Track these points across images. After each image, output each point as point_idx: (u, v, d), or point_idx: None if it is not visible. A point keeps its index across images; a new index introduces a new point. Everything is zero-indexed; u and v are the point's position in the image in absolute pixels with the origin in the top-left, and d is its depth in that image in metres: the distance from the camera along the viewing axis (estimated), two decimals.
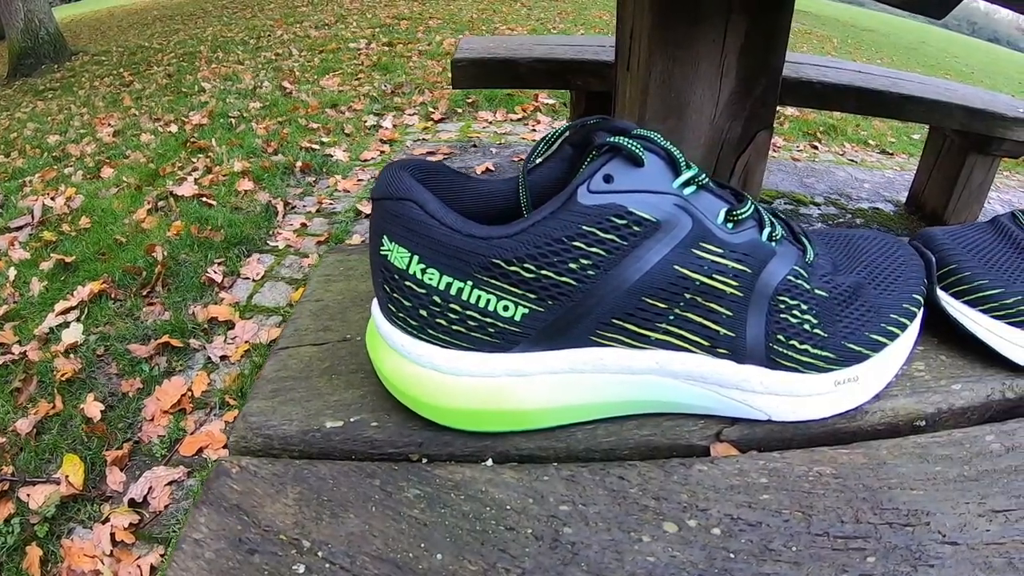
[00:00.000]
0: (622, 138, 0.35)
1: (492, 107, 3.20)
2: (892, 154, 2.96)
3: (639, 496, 0.35)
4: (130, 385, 1.58)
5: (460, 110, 3.23)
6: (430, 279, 0.36)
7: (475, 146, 2.71)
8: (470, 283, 0.35)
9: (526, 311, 0.36)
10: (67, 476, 1.34)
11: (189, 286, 1.90)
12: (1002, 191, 2.59)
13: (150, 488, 1.31)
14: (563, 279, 0.35)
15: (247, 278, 1.93)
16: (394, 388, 0.41)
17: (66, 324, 1.77)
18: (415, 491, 0.36)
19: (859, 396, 0.41)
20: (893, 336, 0.41)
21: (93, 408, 1.50)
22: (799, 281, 0.38)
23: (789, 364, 0.39)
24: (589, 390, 0.39)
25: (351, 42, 4.78)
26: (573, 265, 0.35)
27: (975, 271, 0.47)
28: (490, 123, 3.03)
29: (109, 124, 3.37)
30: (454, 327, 0.37)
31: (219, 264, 1.97)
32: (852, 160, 2.77)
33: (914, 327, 0.44)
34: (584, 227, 0.34)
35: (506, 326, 0.37)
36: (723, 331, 0.38)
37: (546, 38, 2.25)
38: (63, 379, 1.58)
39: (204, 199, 2.35)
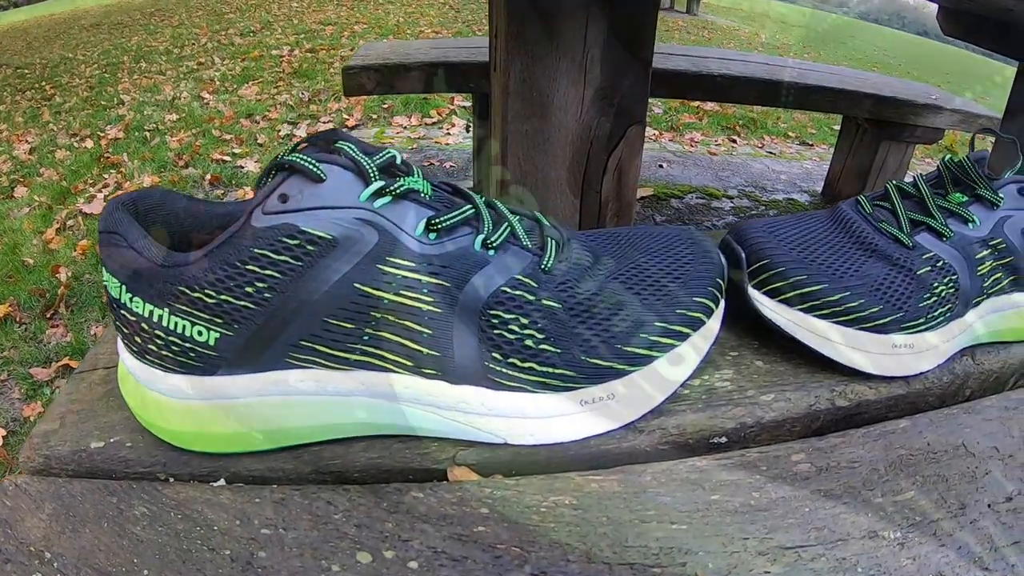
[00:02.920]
0: (298, 155, 0.34)
1: (407, 111, 3.18)
2: (812, 145, 3.01)
3: (342, 523, 0.34)
4: (32, 409, 1.58)
5: (375, 116, 3.20)
6: (136, 307, 0.36)
7: None
8: (167, 310, 0.35)
9: (218, 335, 0.35)
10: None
11: (92, 306, 1.87)
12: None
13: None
14: (242, 303, 0.34)
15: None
16: (132, 409, 0.41)
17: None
18: (143, 509, 0.36)
19: (620, 415, 0.38)
20: (663, 347, 0.38)
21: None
22: (519, 292, 0.36)
23: (513, 384, 0.36)
24: (301, 412, 0.37)
25: (274, 48, 4.69)
26: (249, 289, 0.34)
27: (790, 266, 0.43)
28: (404, 128, 3.01)
29: (26, 141, 3.27)
30: (163, 351, 0.37)
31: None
32: (771, 152, 2.80)
33: (700, 335, 0.40)
34: (256, 250, 0.33)
35: (204, 351, 0.36)
36: (425, 350, 0.35)
37: (443, 41, 2.24)
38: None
39: None
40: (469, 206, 0.36)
